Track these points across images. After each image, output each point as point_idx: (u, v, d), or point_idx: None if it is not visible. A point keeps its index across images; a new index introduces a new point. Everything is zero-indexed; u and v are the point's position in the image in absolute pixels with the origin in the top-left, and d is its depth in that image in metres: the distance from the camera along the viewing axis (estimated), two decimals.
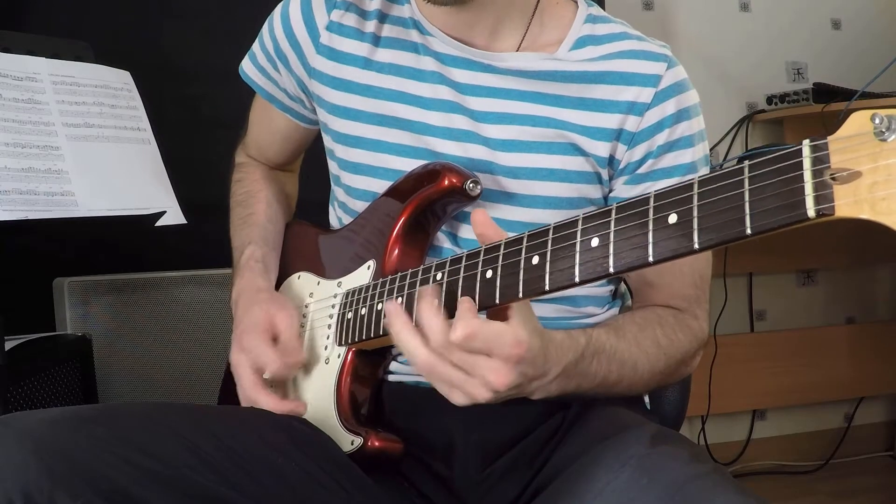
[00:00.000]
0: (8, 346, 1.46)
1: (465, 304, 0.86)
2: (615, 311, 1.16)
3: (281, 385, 1.15)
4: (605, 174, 1.10)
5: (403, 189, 1.09)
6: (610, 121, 1.08)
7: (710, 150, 2.71)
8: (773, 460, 2.82)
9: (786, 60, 2.87)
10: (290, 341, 1.10)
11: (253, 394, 1.08)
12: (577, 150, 1.09)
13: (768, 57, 2.84)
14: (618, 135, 1.08)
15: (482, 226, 0.89)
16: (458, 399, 0.88)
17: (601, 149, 1.08)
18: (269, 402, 1.07)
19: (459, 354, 0.85)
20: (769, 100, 2.68)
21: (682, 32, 2.75)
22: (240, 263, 1.21)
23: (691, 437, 2.57)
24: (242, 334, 1.11)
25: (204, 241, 1.73)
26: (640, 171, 1.10)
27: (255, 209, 1.28)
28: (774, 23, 2.84)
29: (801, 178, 0.64)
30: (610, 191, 1.12)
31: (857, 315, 2.99)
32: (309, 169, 1.45)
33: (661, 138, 1.08)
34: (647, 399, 1.19)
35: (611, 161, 1.10)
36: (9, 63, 1.38)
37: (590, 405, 1.05)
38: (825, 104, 2.47)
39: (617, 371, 1.00)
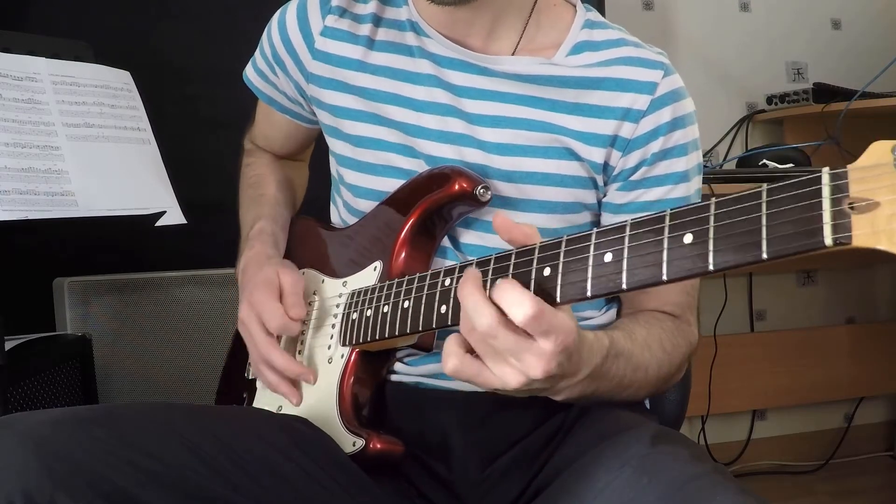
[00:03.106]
0: (8, 346, 1.46)
1: (519, 286, 0.81)
2: (612, 312, 1.16)
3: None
4: (599, 180, 1.10)
5: (412, 192, 1.09)
6: (605, 127, 1.08)
7: (711, 149, 2.72)
8: (773, 460, 2.82)
9: (786, 60, 2.87)
10: (293, 297, 1.09)
11: (266, 349, 1.08)
12: (573, 155, 1.09)
13: (768, 57, 2.84)
14: (612, 141, 1.08)
15: (507, 232, 0.86)
16: (489, 381, 0.83)
17: (596, 154, 1.08)
18: (281, 359, 1.08)
19: (506, 337, 0.80)
20: (769, 100, 2.68)
21: (682, 32, 2.75)
22: (249, 235, 1.23)
23: (691, 437, 2.57)
24: (252, 290, 1.11)
25: (204, 241, 1.73)
26: (634, 177, 1.10)
27: (265, 191, 1.31)
28: (774, 23, 2.84)
29: (819, 205, 0.64)
30: (603, 195, 1.12)
31: (857, 315, 2.99)
32: (309, 169, 1.45)
33: (655, 146, 1.08)
34: (646, 399, 1.19)
35: (605, 167, 1.09)
36: (9, 63, 1.38)
37: (590, 406, 1.05)
38: (825, 104, 2.47)
39: (631, 374, 0.99)
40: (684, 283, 1.11)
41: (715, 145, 2.75)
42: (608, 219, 1.12)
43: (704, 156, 2.57)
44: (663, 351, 1.04)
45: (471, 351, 0.84)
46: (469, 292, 0.82)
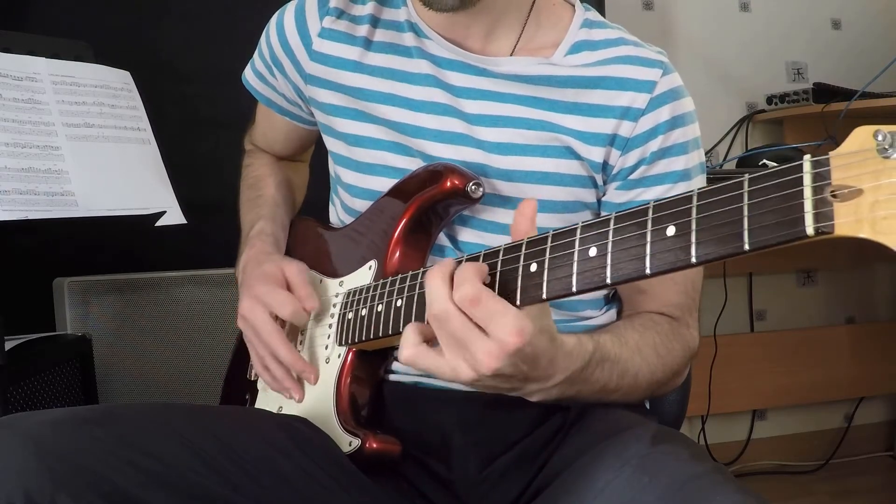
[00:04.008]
0: (8, 346, 1.46)
1: (480, 268, 0.83)
2: (612, 312, 1.15)
3: None
4: (599, 179, 1.10)
5: (406, 190, 1.09)
6: (604, 126, 1.08)
7: (711, 149, 2.72)
8: (773, 460, 2.82)
9: (786, 60, 2.87)
10: (303, 286, 1.09)
11: (274, 340, 1.08)
12: (572, 154, 1.09)
13: (768, 57, 2.84)
14: (612, 140, 1.08)
15: (520, 215, 0.85)
16: (443, 370, 0.85)
17: (595, 153, 1.08)
18: (287, 353, 1.08)
19: (457, 323, 0.81)
20: (769, 100, 2.68)
21: (682, 32, 2.75)
22: (250, 235, 1.23)
23: (691, 437, 2.57)
24: (253, 284, 1.10)
25: (204, 241, 1.73)
26: (633, 176, 1.09)
27: (265, 192, 1.31)
28: (774, 23, 2.84)
29: (800, 194, 0.63)
30: (603, 194, 1.12)
31: (857, 315, 2.99)
32: (310, 170, 1.45)
33: (654, 145, 1.08)
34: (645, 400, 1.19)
35: (604, 166, 1.09)
36: (9, 63, 1.38)
37: (590, 406, 1.05)
38: (825, 104, 2.47)
39: (617, 380, 1.00)
40: (685, 284, 1.11)
41: (715, 145, 2.75)
42: None
43: (705, 156, 2.57)
44: (657, 356, 1.04)
45: (428, 342, 0.87)
46: (431, 276, 0.84)
